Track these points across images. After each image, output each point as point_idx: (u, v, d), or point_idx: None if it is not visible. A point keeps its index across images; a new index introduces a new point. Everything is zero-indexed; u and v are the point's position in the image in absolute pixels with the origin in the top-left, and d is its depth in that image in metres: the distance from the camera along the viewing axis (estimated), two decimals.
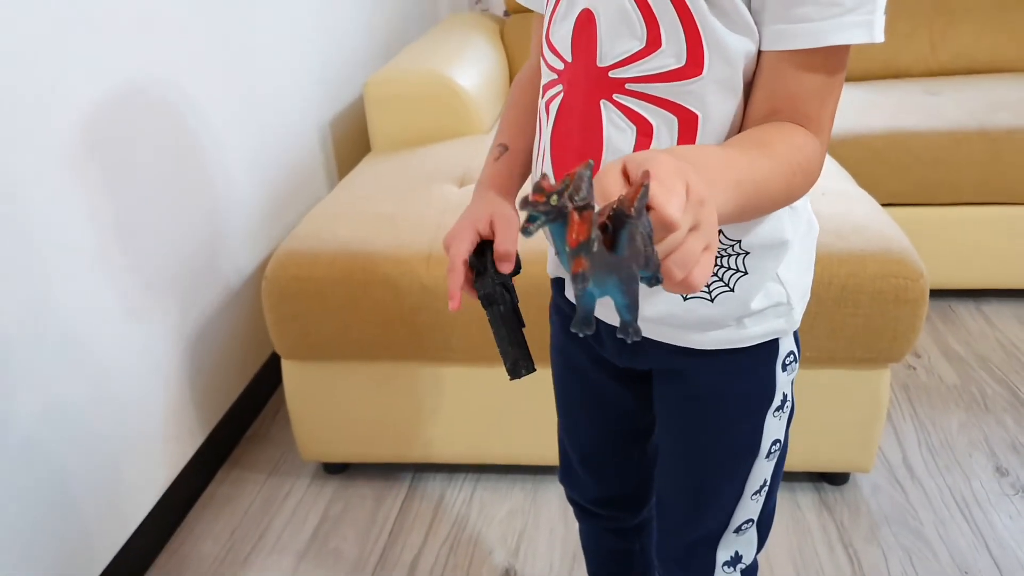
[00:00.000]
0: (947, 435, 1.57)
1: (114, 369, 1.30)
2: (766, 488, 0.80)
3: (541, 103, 0.75)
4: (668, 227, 0.43)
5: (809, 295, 0.76)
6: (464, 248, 0.77)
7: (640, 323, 0.69)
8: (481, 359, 1.42)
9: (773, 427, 0.77)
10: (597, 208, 0.41)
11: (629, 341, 0.43)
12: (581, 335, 0.46)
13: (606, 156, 0.67)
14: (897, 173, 1.88)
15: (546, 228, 0.40)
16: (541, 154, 0.76)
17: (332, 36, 2.10)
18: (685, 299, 0.71)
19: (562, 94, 0.70)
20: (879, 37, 0.59)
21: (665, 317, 0.72)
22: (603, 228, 0.41)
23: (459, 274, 0.76)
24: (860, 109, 2.00)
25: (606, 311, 0.77)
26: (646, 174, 0.43)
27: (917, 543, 1.34)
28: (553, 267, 0.87)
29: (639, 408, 0.87)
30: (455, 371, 1.45)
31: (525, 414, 1.46)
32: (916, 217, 1.88)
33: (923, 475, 1.48)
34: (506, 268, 0.77)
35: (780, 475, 0.82)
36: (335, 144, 2.13)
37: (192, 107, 1.48)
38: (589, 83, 0.66)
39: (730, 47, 0.61)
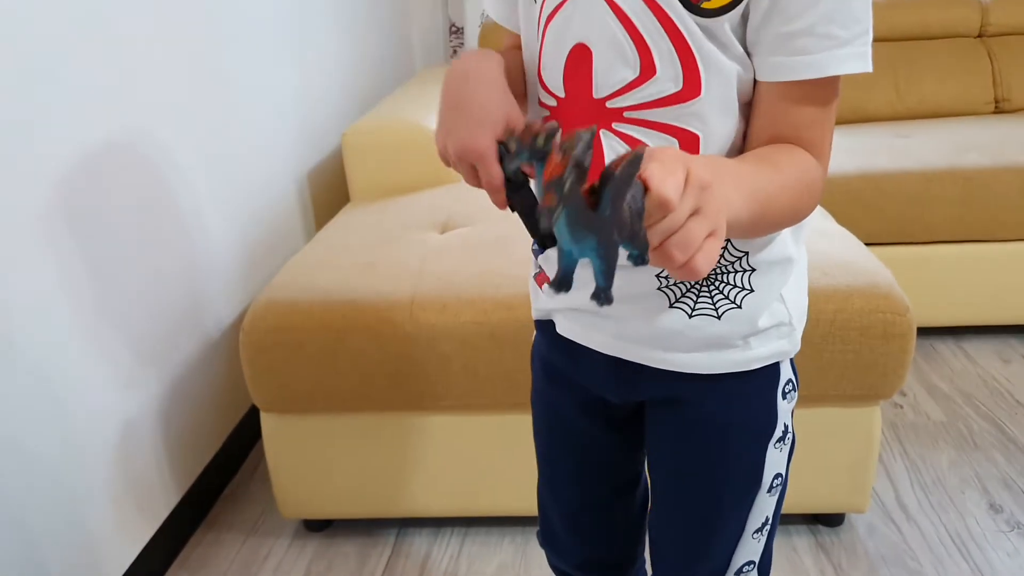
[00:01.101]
0: (938, 473, 1.55)
1: (86, 425, 1.25)
2: (767, 527, 0.77)
3: None
4: (663, 206, 0.44)
5: (806, 317, 0.75)
6: (492, 141, 0.62)
7: (641, 348, 0.67)
8: (467, 407, 1.38)
9: (775, 460, 0.74)
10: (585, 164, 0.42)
11: (600, 306, 0.44)
12: (557, 292, 0.45)
13: None
14: (872, 213, 1.89)
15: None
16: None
17: (309, 89, 2.09)
18: (691, 316, 0.69)
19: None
20: (871, 67, 0.60)
21: (670, 336, 0.70)
22: (591, 192, 0.42)
23: (493, 163, 0.63)
24: (833, 151, 2.02)
25: (593, 336, 0.75)
26: (642, 147, 0.43)
27: None
28: (537, 309, 0.84)
29: (625, 459, 0.85)
30: (440, 420, 1.41)
31: (513, 463, 1.42)
32: (893, 256, 1.88)
33: (918, 514, 1.45)
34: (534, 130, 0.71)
35: (779, 514, 0.79)
36: (312, 195, 2.11)
37: (169, 160, 1.46)
38: (587, 116, 0.66)
39: (725, 68, 0.62)
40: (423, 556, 1.45)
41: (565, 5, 0.66)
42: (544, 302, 0.81)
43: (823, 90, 0.62)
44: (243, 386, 1.72)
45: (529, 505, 1.44)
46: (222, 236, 1.64)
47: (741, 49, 0.62)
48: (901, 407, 1.75)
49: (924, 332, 2.00)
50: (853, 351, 1.26)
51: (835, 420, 1.35)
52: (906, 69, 2.32)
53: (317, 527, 1.54)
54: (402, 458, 1.44)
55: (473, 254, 1.47)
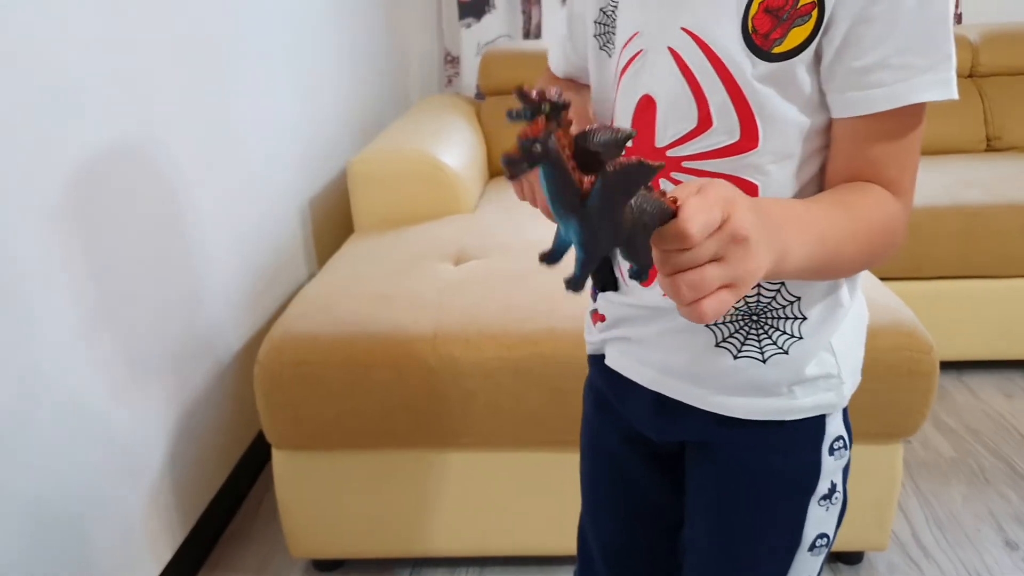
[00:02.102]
0: (952, 510, 1.56)
1: (90, 463, 1.20)
2: None
3: None
4: (681, 238, 0.44)
5: (860, 376, 0.73)
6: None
7: (684, 384, 0.69)
8: (487, 444, 1.36)
9: (819, 518, 0.73)
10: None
11: (567, 289, 0.46)
12: (542, 263, 0.47)
13: None
14: None
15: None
16: None
17: (310, 117, 2.08)
18: (736, 357, 0.68)
19: None
20: (955, 94, 0.59)
21: (714, 375, 0.70)
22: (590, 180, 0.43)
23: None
24: None
25: (639, 369, 0.74)
26: (652, 161, 0.43)
27: None
28: (590, 343, 0.83)
29: (670, 500, 0.83)
30: (459, 457, 1.38)
31: (533, 502, 1.40)
32: (896, 291, 1.90)
33: (936, 552, 1.45)
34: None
35: None
36: (314, 223, 2.09)
37: (176, 184, 1.42)
38: None
39: (785, 118, 0.62)
40: None
41: (636, 58, 0.69)
42: (596, 334, 0.81)
43: (901, 123, 0.61)
44: (247, 418, 1.69)
45: (548, 543, 1.43)
46: (226, 262, 1.61)
47: (810, 90, 0.62)
48: (911, 443, 1.76)
49: None
50: (879, 389, 1.26)
51: (858, 458, 1.32)
52: None
53: (327, 567, 1.50)
54: (419, 496, 1.40)
55: (492, 287, 1.45)
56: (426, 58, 3.01)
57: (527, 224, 1.81)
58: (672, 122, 0.66)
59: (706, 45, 0.63)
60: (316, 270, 2.09)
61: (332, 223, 2.19)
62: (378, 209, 1.94)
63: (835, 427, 0.72)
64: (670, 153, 0.66)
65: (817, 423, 0.71)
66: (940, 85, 0.58)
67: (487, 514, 1.42)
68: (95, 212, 1.20)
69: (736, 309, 0.68)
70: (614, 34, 0.74)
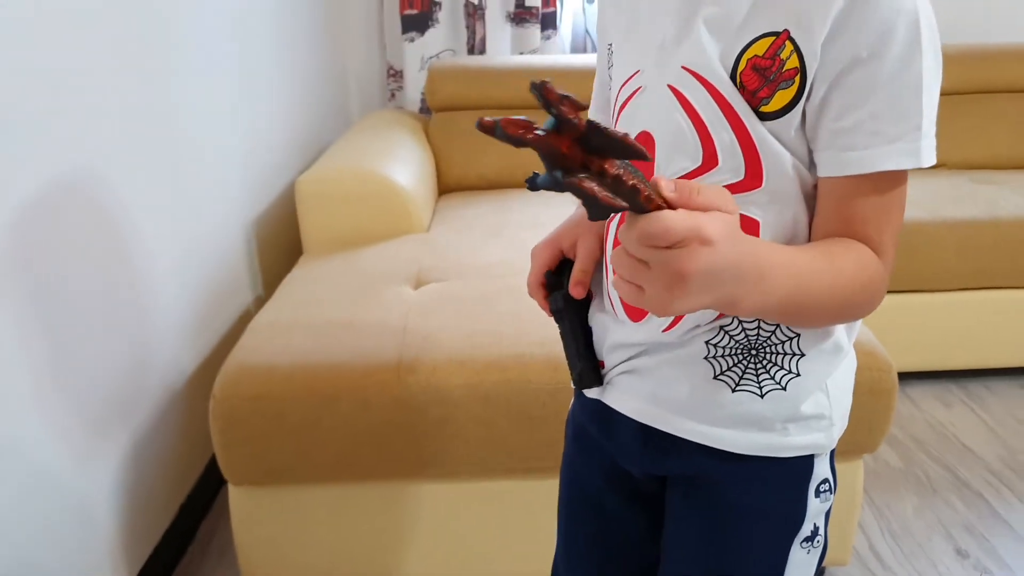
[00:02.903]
0: (905, 520, 1.60)
1: (35, 505, 1.13)
2: None
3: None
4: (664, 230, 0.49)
5: (847, 421, 0.74)
6: (542, 263, 0.80)
7: (675, 416, 0.71)
8: (455, 474, 1.33)
9: (800, 560, 0.73)
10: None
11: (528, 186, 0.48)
12: (528, 186, 0.49)
13: None
14: None
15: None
16: (605, 276, 0.77)
17: (254, 136, 2.00)
18: (734, 390, 0.68)
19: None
20: (927, 163, 0.61)
21: (709, 406, 0.69)
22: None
23: (535, 291, 0.81)
24: None
25: (628, 401, 0.73)
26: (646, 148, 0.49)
27: None
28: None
29: (648, 539, 0.82)
30: (427, 488, 1.35)
31: (505, 532, 1.38)
32: None
33: (893, 563, 1.49)
34: (578, 293, 0.77)
35: None
36: (259, 245, 2.02)
37: (117, 206, 1.35)
38: None
39: (787, 161, 0.63)
40: None
41: (636, 95, 0.70)
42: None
43: (878, 186, 0.62)
44: (197, 449, 1.62)
45: (518, 571, 1.41)
46: (171, 289, 1.53)
47: (804, 147, 0.63)
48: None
49: None
50: None
51: None
52: None
53: None
54: (384, 529, 1.36)
55: (456, 312, 1.42)
56: (368, 72, 2.95)
57: (483, 244, 1.80)
58: (675, 160, 0.66)
59: (709, 84, 0.64)
60: (262, 293, 2.02)
61: (278, 243, 2.13)
62: (328, 229, 1.88)
63: (822, 469, 0.72)
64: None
65: (806, 463, 0.71)
66: (908, 155, 0.60)
67: (456, 545, 1.39)
68: (39, 248, 1.12)
69: (736, 342, 0.68)
70: (613, 67, 0.76)
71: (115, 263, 1.34)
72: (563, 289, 0.78)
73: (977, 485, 1.69)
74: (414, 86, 2.83)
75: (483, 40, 2.81)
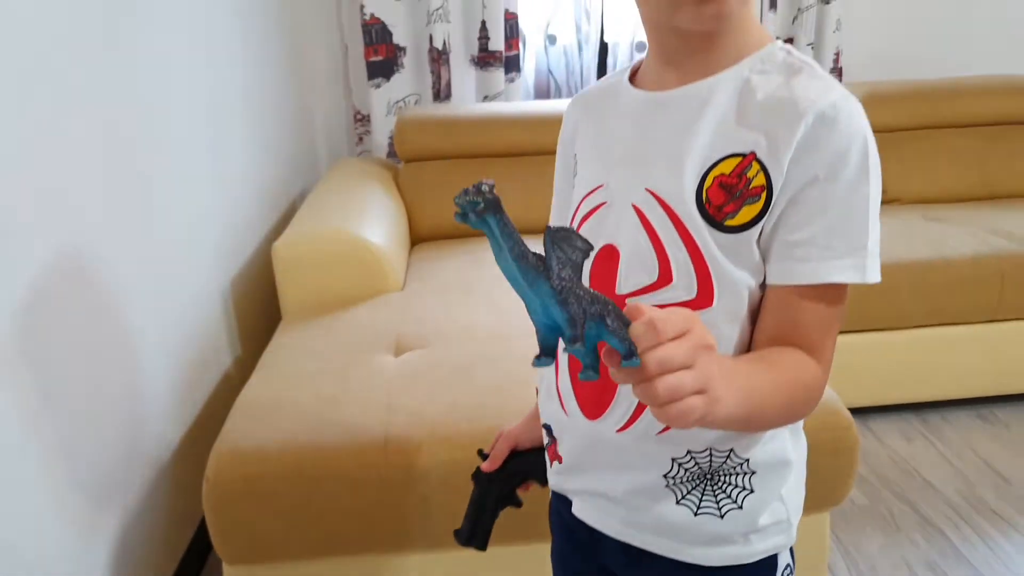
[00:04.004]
0: (871, 560, 1.70)
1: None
2: None
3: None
4: (649, 327, 0.52)
5: (802, 510, 0.81)
6: (503, 454, 0.97)
7: (650, 536, 0.79)
8: (443, 544, 1.39)
9: None
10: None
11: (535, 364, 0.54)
12: (536, 364, 0.55)
13: None
14: None
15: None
16: (559, 376, 0.81)
17: (226, 194, 2.04)
18: (696, 514, 0.75)
19: None
20: (872, 279, 0.67)
21: (676, 530, 0.76)
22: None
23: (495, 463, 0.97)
24: None
25: (607, 521, 0.80)
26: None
27: None
28: (553, 483, 0.89)
29: None
30: (415, 559, 1.41)
31: None
32: None
33: None
34: (486, 468, 0.97)
35: None
36: (236, 306, 2.06)
37: (102, 290, 1.39)
38: None
39: (737, 281, 0.69)
40: None
41: (601, 209, 0.75)
42: (557, 480, 0.86)
43: (824, 296, 0.68)
44: (185, 520, 1.66)
45: None
46: (156, 359, 1.58)
47: (757, 258, 0.69)
48: None
49: None
50: (808, 469, 1.38)
51: None
52: None
53: None
54: None
55: (438, 383, 1.49)
56: (335, 117, 3.01)
57: (458, 305, 1.87)
58: (633, 273, 0.72)
59: (668, 207, 0.69)
60: (241, 353, 2.07)
61: (254, 301, 2.17)
62: (306, 292, 1.93)
63: (784, 558, 0.80)
64: (630, 301, 0.69)
65: (771, 560, 0.79)
66: (856, 270, 0.66)
67: None
68: (35, 333, 1.17)
69: (689, 472, 0.74)
70: (577, 175, 0.81)
71: (105, 341, 1.38)
72: (507, 470, 0.96)
73: (938, 521, 1.79)
74: (382, 130, 2.89)
75: (448, 84, 2.88)
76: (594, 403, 0.76)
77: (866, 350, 2.13)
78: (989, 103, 2.67)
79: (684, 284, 0.70)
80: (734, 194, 0.67)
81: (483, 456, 0.99)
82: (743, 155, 0.67)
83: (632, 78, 0.79)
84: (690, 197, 0.68)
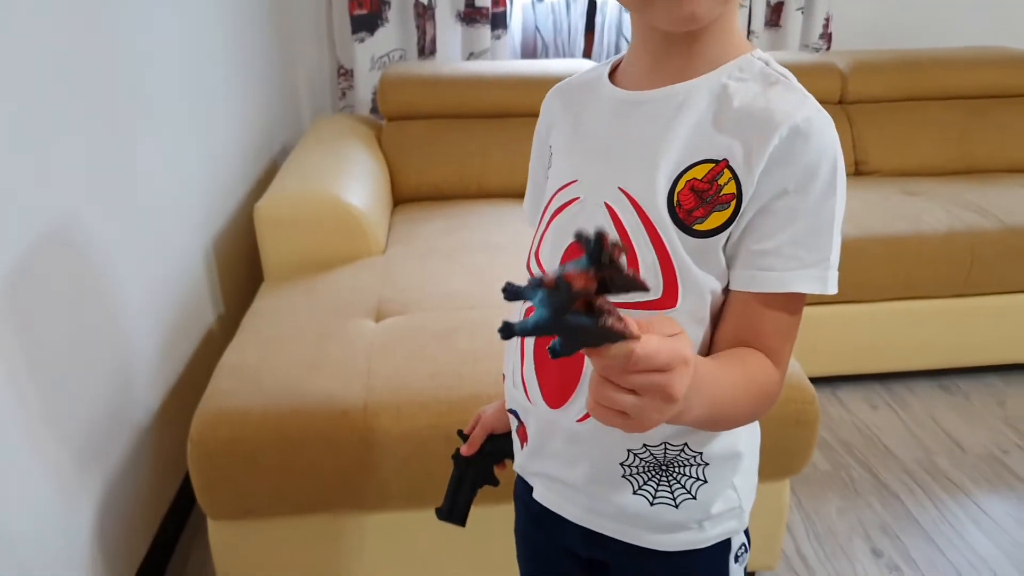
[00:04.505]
0: (829, 523, 1.80)
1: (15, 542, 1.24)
2: None
3: (522, 307, 0.84)
4: (627, 359, 0.52)
5: (755, 494, 0.87)
6: (480, 439, 1.03)
7: (609, 522, 0.85)
8: (418, 503, 1.46)
9: None
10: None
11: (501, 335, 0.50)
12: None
13: (584, 371, 0.77)
14: None
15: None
16: (524, 365, 0.84)
17: (210, 151, 2.07)
18: (652, 504, 0.81)
19: None
20: (831, 291, 0.71)
21: (633, 518, 0.82)
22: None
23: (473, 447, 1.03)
24: None
25: (567, 507, 0.86)
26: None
27: None
28: (519, 464, 0.93)
29: None
30: (392, 516, 1.48)
31: (462, 550, 1.52)
32: None
33: (815, 565, 1.69)
34: (465, 452, 1.04)
35: None
36: (218, 262, 2.10)
37: (85, 247, 1.43)
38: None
39: (701, 284, 0.72)
40: None
41: (574, 204, 0.78)
42: (522, 462, 0.91)
43: (786, 303, 0.71)
44: (169, 475, 1.73)
45: None
46: (140, 314, 1.62)
47: (723, 264, 0.72)
48: None
49: None
50: (770, 439, 1.45)
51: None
52: None
53: None
54: (354, 552, 1.50)
55: (417, 351, 1.54)
56: (318, 72, 3.01)
57: (439, 272, 1.92)
58: None
59: (640, 208, 0.72)
60: (223, 310, 2.11)
61: (237, 261, 2.21)
62: (287, 254, 1.98)
63: (738, 539, 0.87)
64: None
65: (724, 543, 0.85)
66: (818, 281, 0.69)
67: (419, 566, 1.53)
68: (19, 293, 1.21)
69: (645, 462, 0.79)
70: (552, 167, 0.84)
71: (88, 301, 1.43)
72: (483, 451, 1.03)
73: (895, 487, 1.90)
74: (365, 85, 2.90)
75: (433, 40, 2.89)
76: (557, 393, 0.80)
77: (837, 321, 2.21)
78: (973, 75, 2.71)
79: (650, 284, 0.72)
80: (705, 199, 0.69)
81: (463, 437, 1.05)
82: (716, 161, 0.69)
83: (612, 74, 0.80)
84: (661, 199, 0.71)
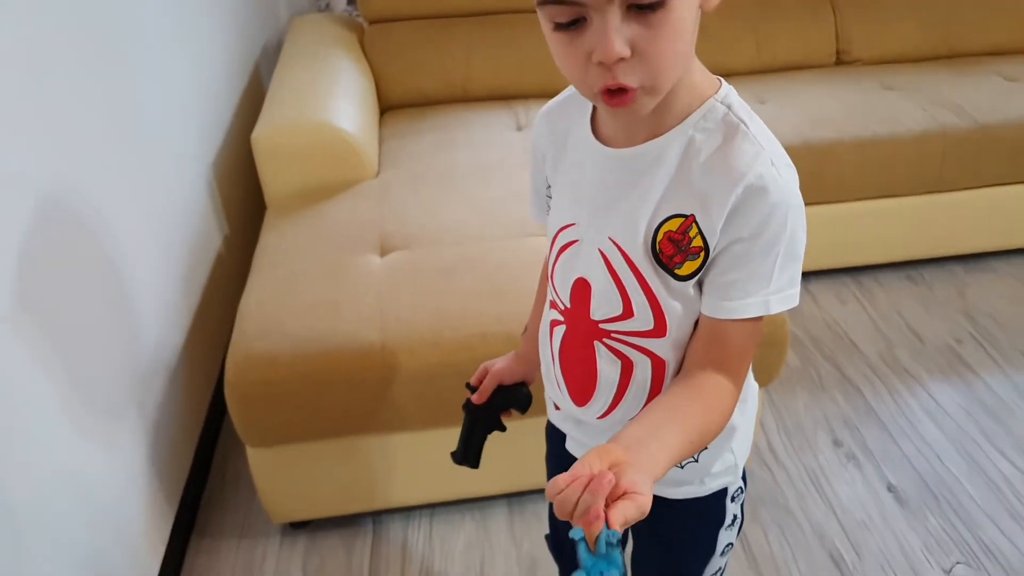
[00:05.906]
0: (797, 417, 2.08)
1: (94, 480, 1.48)
2: (720, 573, 1.18)
3: (546, 319, 1.03)
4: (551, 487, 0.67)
5: (749, 447, 1.09)
6: (490, 389, 1.20)
7: None
8: (433, 424, 1.70)
9: (725, 536, 1.12)
10: None
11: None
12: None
13: (599, 381, 0.97)
14: None
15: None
16: (554, 368, 1.04)
17: (195, 59, 2.15)
18: None
19: (564, 328, 1.00)
20: (775, 311, 0.83)
21: None
22: None
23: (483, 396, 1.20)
24: None
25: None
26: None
27: (786, 519, 1.83)
28: (553, 420, 1.15)
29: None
30: (409, 436, 1.74)
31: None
32: None
33: (784, 457, 1.98)
34: (477, 400, 1.21)
35: (727, 563, 1.18)
36: (219, 184, 2.23)
37: (86, 190, 1.53)
38: (585, 327, 0.95)
39: (684, 318, 0.89)
40: (401, 540, 1.82)
41: (574, 246, 0.94)
42: (555, 417, 1.12)
43: (745, 328, 0.84)
44: (199, 405, 1.96)
45: (483, 489, 1.84)
46: (151, 252, 1.76)
47: (698, 301, 0.86)
48: None
49: None
50: None
51: None
52: (765, 26, 2.68)
53: (300, 525, 1.87)
54: (377, 466, 1.77)
55: (425, 288, 1.74)
56: None
57: (435, 202, 2.08)
58: (603, 305, 0.92)
59: (627, 256, 0.88)
60: (228, 232, 2.27)
61: (236, 182, 2.34)
62: (287, 181, 2.12)
63: (736, 486, 1.08)
64: (602, 326, 0.93)
65: (722, 490, 1.06)
66: (762, 307, 0.82)
67: (433, 471, 1.80)
68: (30, 254, 1.27)
69: None
70: (552, 200, 1.00)
71: (96, 224, 1.53)
72: (493, 401, 1.18)
73: (857, 380, 2.17)
74: None
75: None
76: (581, 394, 0.99)
77: (813, 220, 2.37)
78: None
79: (643, 318, 0.88)
80: (680, 248, 0.83)
81: (471, 389, 1.23)
82: (685, 216, 0.82)
83: (593, 116, 0.92)
84: (645, 249, 0.85)
